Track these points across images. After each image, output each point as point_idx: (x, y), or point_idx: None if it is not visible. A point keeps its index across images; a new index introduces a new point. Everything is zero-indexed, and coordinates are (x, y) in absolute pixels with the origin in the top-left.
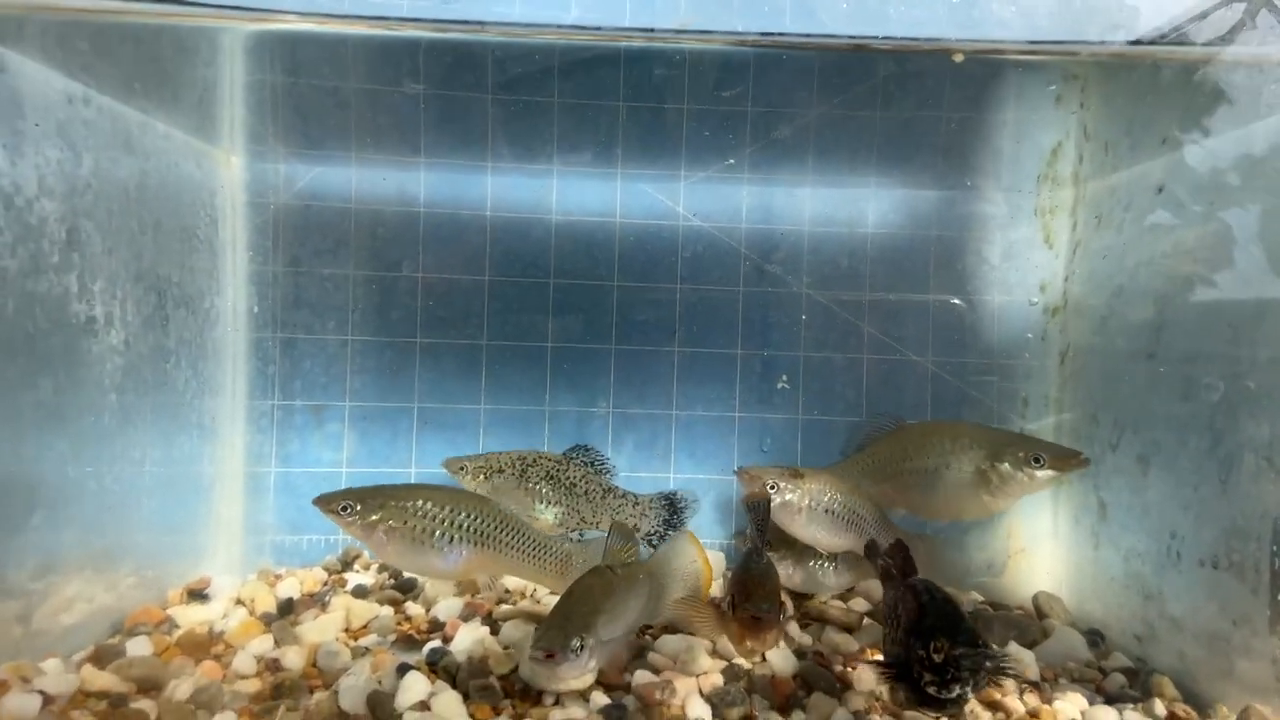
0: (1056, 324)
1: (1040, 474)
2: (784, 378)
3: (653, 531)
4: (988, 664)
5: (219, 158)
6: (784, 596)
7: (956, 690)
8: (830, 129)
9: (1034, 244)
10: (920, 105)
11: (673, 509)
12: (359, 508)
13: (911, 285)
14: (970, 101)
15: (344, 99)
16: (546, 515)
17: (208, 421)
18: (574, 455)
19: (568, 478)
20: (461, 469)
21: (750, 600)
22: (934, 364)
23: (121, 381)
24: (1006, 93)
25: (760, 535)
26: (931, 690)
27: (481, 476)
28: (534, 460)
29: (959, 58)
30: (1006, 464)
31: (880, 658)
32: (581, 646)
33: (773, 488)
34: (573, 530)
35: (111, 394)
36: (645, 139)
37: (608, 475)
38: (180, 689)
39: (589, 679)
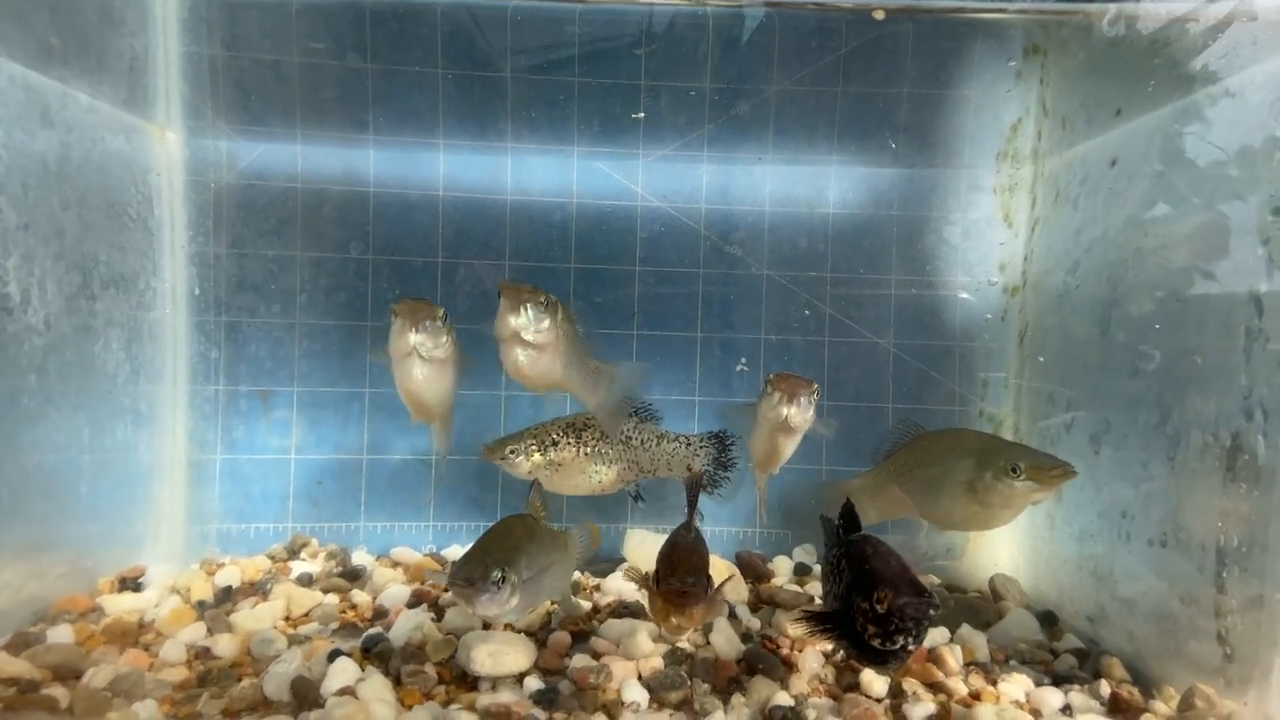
0: (1016, 304)
1: (1019, 485)
2: (744, 360)
3: (703, 472)
4: (932, 613)
5: (152, 133)
6: (736, 573)
7: (900, 641)
8: (790, 106)
9: (994, 223)
10: (881, 81)
11: (722, 446)
12: None
13: (873, 266)
14: (931, 78)
15: (287, 73)
16: (608, 475)
17: (144, 407)
18: None
19: (622, 433)
20: (512, 452)
21: (675, 574)
22: (895, 346)
23: (42, 362)
24: (968, 68)
25: (690, 510)
26: (875, 643)
27: (537, 455)
28: (584, 423)
29: (880, 14)
30: (989, 473)
31: (810, 610)
32: (502, 579)
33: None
34: (630, 484)
35: (30, 375)
36: (601, 115)
37: (654, 422)
38: (98, 676)
39: (511, 619)
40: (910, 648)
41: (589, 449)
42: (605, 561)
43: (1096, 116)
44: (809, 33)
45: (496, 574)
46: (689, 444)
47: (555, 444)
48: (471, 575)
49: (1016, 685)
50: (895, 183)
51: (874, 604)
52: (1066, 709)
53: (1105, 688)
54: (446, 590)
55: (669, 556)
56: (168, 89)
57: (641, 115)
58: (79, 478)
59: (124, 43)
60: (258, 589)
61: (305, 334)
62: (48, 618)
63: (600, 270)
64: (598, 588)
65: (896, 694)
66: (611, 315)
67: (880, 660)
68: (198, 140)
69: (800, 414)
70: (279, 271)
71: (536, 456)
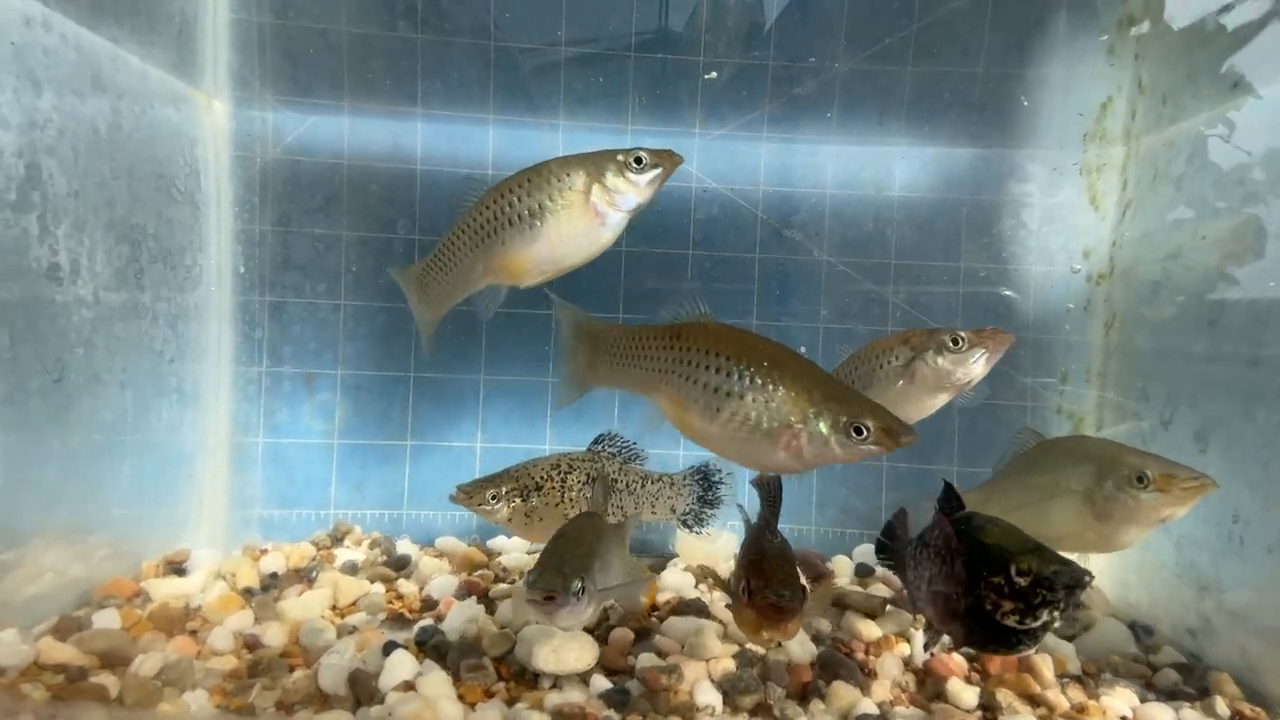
0: (1101, 292)
1: (1145, 497)
2: (802, 350)
3: (688, 511)
4: (1086, 579)
5: (200, 101)
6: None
7: (1044, 616)
8: (857, 83)
9: (1078, 207)
10: (956, 59)
11: (707, 483)
12: None
13: (941, 252)
14: (1011, 55)
15: (336, 41)
16: None
17: (189, 386)
18: (600, 447)
19: (608, 475)
20: (493, 498)
21: (769, 585)
22: None
23: (90, 337)
24: (1052, 44)
25: (773, 513)
26: (1012, 620)
27: (518, 499)
28: (570, 465)
29: None
30: (1110, 483)
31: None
32: (582, 590)
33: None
34: None
35: (79, 349)
36: (657, 92)
37: (638, 461)
38: (147, 664)
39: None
40: (1053, 624)
41: (573, 494)
42: (656, 556)
43: (1208, 90)
44: (879, 9)
45: (577, 585)
46: (673, 483)
47: (539, 488)
48: (552, 588)
49: (1120, 700)
50: (969, 164)
51: (1013, 577)
52: None
53: (1222, 705)
54: (497, 581)
55: (758, 565)
56: (215, 56)
57: (714, 75)
58: (123, 457)
59: (174, 4)
60: (303, 576)
61: (350, 316)
62: (92, 602)
63: (653, 254)
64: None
65: (989, 706)
66: (664, 300)
67: (1012, 642)
68: (244, 111)
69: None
70: (324, 250)
71: (518, 502)
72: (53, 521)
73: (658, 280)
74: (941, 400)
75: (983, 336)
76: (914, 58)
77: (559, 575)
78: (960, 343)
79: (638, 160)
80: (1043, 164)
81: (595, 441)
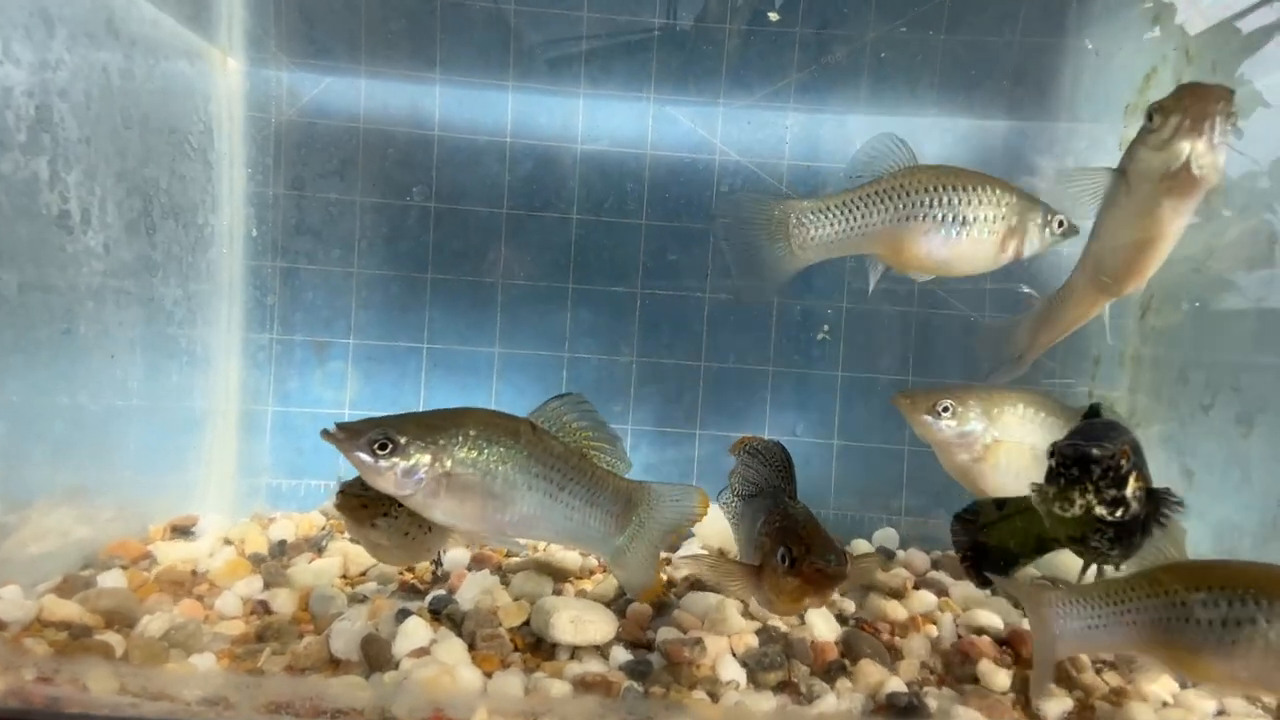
0: None
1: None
2: (825, 329)
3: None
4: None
5: (214, 58)
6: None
7: (1077, 499)
8: (889, 51)
9: None
10: (991, 28)
11: None
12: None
13: None
14: (1049, 23)
15: (353, 2)
16: None
17: (199, 350)
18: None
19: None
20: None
21: (812, 551)
22: (992, 319)
23: (100, 289)
24: (1091, 12)
25: (786, 479)
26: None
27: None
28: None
29: None
30: None
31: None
32: (388, 448)
33: (944, 410)
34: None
35: (89, 301)
36: (681, 60)
37: None
38: (153, 625)
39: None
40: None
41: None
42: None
43: (1267, 53)
44: None
45: (377, 434)
46: None
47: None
48: (347, 426)
49: (1159, 685)
50: (1002, 137)
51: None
52: (1221, 714)
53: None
54: (510, 555)
55: (794, 532)
56: (230, 12)
57: (776, 15)
58: (132, 419)
59: None
60: (312, 545)
61: (364, 284)
62: (98, 563)
63: (673, 227)
64: (669, 561)
65: (1024, 689)
66: (684, 275)
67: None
68: (259, 70)
69: (1212, 155)
70: (339, 216)
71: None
72: (59, 480)
73: (677, 253)
74: (1188, 209)
75: (1179, 100)
76: (948, 25)
77: (374, 423)
78: (1154, 117)
79: (1060, 224)
80: (1081, 138)
81: None
